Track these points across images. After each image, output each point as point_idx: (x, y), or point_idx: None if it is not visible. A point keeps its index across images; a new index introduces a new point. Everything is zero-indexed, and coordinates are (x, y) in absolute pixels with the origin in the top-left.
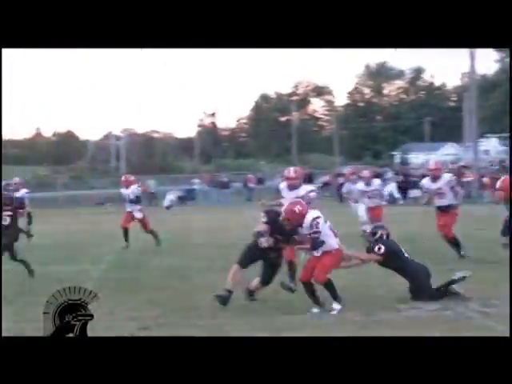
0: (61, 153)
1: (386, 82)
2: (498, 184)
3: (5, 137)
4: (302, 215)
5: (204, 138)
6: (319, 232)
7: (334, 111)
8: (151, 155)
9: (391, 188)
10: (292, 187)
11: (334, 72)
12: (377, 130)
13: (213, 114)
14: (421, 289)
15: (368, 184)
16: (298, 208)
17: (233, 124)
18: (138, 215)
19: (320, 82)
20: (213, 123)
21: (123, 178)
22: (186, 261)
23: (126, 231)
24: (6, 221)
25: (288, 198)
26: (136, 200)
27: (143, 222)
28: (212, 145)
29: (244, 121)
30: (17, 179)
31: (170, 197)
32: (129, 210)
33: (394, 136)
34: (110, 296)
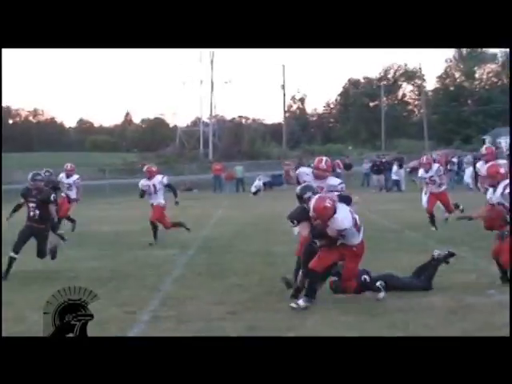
0: (149, 139)
1: (477, 66)
2: (484, 170)
3: (95, 123)
4: (333, 210)
5: (292, 123)
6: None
7: (423, 96)
8: (239, 141)
9: (468, 173)
10: (319, 178)
11: (424, 56)
12: (467, 115)
13: (301, 100)
14: None
15: (427, 170)
16: (328, 203)
17: (321, 109)
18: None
19: (410, 67)
20: (301, 109)
21: (145, 169)
22: (272, 246)
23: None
24: (34, 212)
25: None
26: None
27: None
28: (300, 130)
29: (332, 106)
30: (69, 165)
31: (257, 182)
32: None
33: (485, 120)
34: (198, 281)
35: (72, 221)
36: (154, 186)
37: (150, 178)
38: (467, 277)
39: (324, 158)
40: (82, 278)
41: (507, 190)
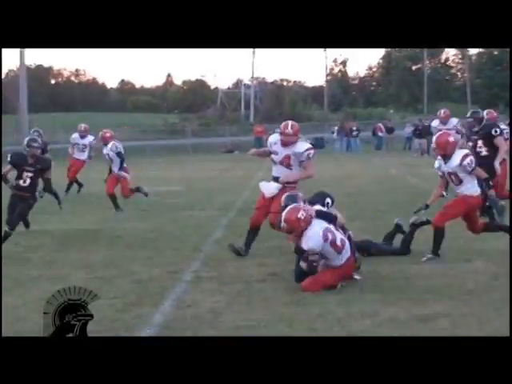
0: (191, 101)
1: None
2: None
3: (137, 84)
4: (306, 223)
5: (334, 86)
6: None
7: (466, 60)
8: (280, 104)
9: None
10: (287, 143)
11: None
12: None
13: (343, 63)
14: None
15: (444, 123)
16: (301, 215)
17: (363, 72)
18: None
19: None
20: (343, 72)
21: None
22: None
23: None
24: (26, 182)
25: (281, 153)
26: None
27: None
28: (341, 93)
29: (374, 69)
30: (83, 126)
31: None
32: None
33: None
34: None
35: (80, 184)
36: (107, 154)
37: (105, 144)
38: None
39: (290, 122)
40: (125, 238)
41: (467, 161)
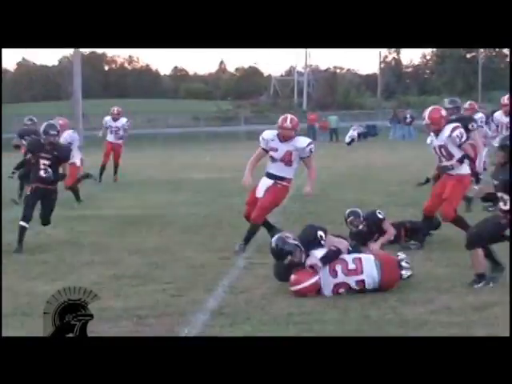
0: (244, 88)
1: None
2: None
3: (190, 71)
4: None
5: (387, 74)
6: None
7: None
8: (333, 91)
9: None
10: (285, 138)
11: None
12: None
13: (397, 51)
14: None
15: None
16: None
17: (417, 60)
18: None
19: None
20: (396, 60)
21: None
22: (366, 195)
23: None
24: (46, 172)
25: (281, 150)
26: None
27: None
28: (395, 81)
29: (428, 57)
30: (115, 108)
31: (352, 133)
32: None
33: None
34: (291, 228)
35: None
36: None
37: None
38: None
39: (289, 116)
40: (178, 224)
41: (456, 133)
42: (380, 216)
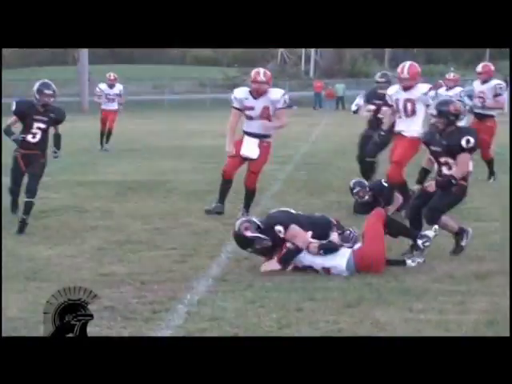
0: (250, 55)
1: None
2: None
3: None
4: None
5: None
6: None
7: None
8: (341, 59)
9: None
10: (259, 93)
11: None
12: None
13: None
14: None
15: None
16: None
17: None
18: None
19: None
20: None
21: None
22: None
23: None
24: (36, 136)
25: (258, 107)
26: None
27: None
28: (402, 50)
29: None
30: (111, 74)
31: (358, 101)
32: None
33: None
34: (297, 197)
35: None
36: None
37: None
38: None
39: (262, 70)
40: (181, 190)
41: (431, 93)
42: (386, 185)
